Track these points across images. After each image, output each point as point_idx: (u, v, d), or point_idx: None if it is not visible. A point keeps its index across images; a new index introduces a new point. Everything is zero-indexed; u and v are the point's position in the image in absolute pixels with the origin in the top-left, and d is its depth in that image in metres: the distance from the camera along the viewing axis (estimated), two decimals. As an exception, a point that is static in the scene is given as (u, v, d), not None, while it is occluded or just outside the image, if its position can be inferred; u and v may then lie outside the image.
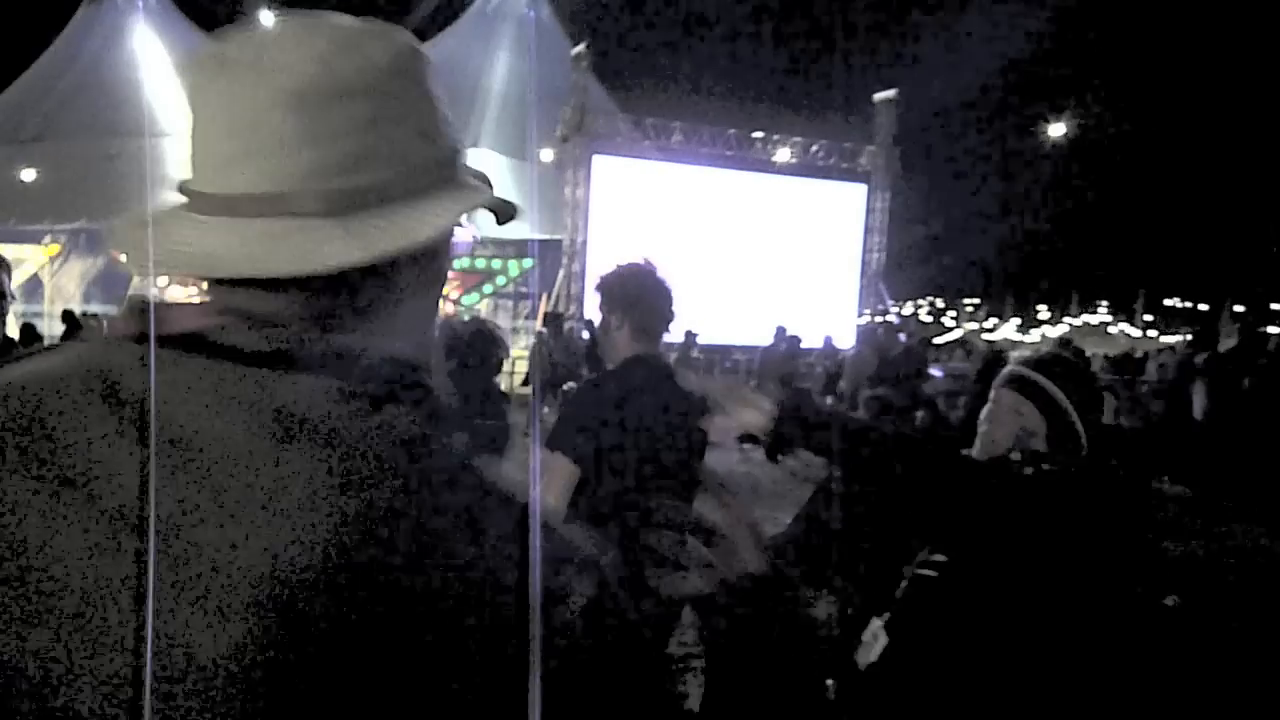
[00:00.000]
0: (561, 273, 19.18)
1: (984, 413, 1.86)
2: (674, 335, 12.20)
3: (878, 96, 21.41)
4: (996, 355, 14.29)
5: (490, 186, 0.84)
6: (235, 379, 0.63)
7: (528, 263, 19.14)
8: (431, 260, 0.76)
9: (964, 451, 1.88)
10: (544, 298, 18.79)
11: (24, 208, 24.74)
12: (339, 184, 0.68)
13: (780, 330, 12.58)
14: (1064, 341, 10.73)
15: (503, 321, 24.75)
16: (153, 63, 31.85)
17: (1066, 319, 53.56)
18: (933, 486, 1.63)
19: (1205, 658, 4.70)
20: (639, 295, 2.75)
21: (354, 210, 0.68)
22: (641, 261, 2.88)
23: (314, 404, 0.62)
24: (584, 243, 18.82)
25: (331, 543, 0.57)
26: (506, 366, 19.49)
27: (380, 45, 0.72)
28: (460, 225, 0.78)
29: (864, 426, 1.72)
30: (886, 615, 1.80)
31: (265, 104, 0.67)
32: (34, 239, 23.85)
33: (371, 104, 0.70)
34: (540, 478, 2.63)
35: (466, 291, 18.77)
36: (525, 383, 14.53)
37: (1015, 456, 1.70)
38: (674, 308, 2.81)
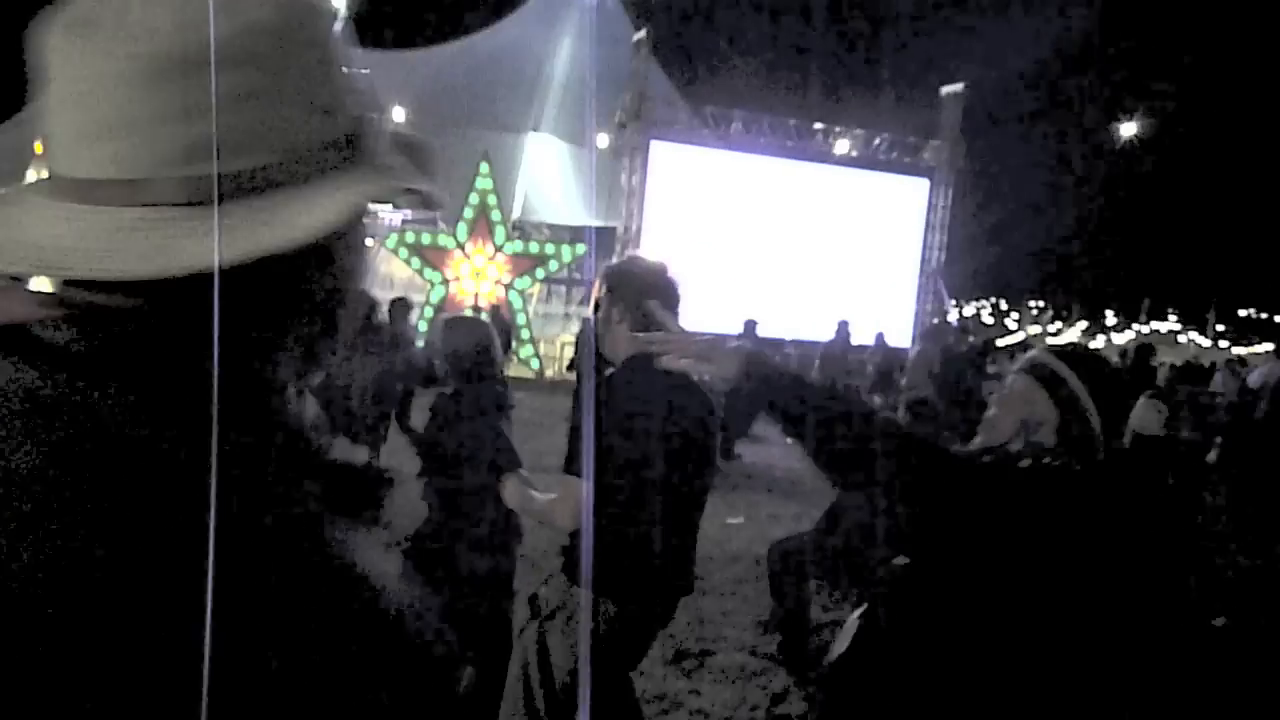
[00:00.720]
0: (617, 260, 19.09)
1: (993, 397, 1.74)
2: (733, 325, 12.28)
3: (944, 89, 20.92)
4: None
5: (424, 166, 0.72)
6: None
7: (581, 249, 19.03)
8: (326, 260, 0.65)
9: (971, 446, 1.74)
10: (596, 284, 18.71)
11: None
12: (206, 169, 0.57)
13: (842, 325, 12.37)
14: (1145, 348, 10.32)
15: (555, 307, 24.80)
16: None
17: (1135, 325, 52.13)
18: (904, 473, 1.49)
19: (1248, 681, 4.44)
20: (645, 290, 2.67)
21: (224, 200, 0.57)
22: (649, 256, 2.88)
23: None
24: (639, 230, 18.68)
25: None
26: (551, 351, 19.47)
27: (266, 4, 0.60)
28: (367, 215, 0.68)
29: (833, 396, 1.58)
30: (864, 607, 1.69)
31: (120, 73, 0.56)
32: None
33: (251, 74, 0.59)
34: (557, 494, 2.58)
35: (519, 275, 18.72)
36: (570, 367, 14.48)
37: (1015, 446, 1.58)
38: (679, 306, 2.71)
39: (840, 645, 1.67)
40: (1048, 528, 1.48)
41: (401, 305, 8.51)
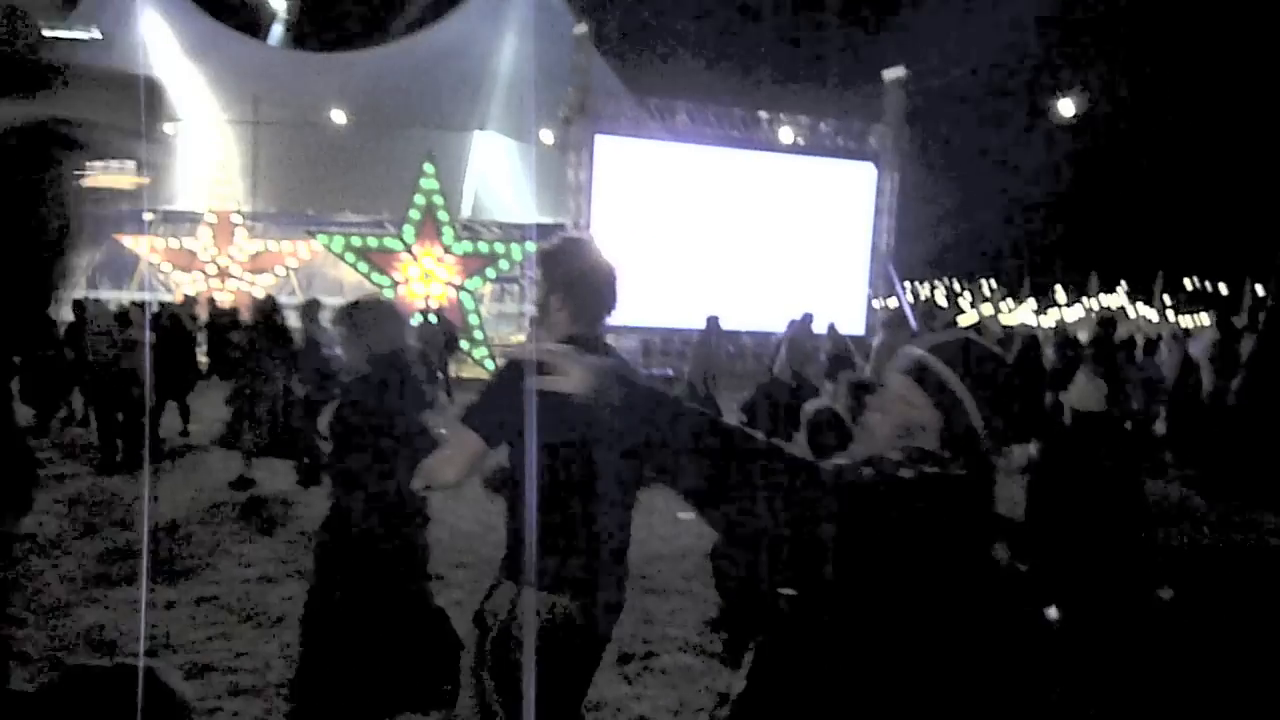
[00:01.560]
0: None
1: (870, 400, 1.63)
2: (688, 319, 12.27)
3: (886, 74, 21.01)
4: (1012, 340, 13.93)
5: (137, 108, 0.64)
6: None
7: (531, 246, 18.86)
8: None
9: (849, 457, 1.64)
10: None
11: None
12: None
13: (806, 316, 12.29)
14: (1106, 320, 10.39)
15: (509, 307, 24.59)
16: (161, 49, 31.76)
17: (1085, 300, 52.86)
18: (775, 497, 1.40)
19: (1197, 651, 4.46)
20: (582, 274, 2.60)
21: None
22: (585, 238, 2.75)
23: None
24: (586, 226, 18.56)
25: None
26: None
27: None
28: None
29: (691, 416, 1.46)
30: (758, 640, 1.61)
31: None
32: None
33: None
34: (446, 449, 2.50)
35: (470, 276, 18.54)
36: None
37: (894, 455, 1.49)
38: (617, 291, 2.66)
39: (737, 685, 1.59)
40: (936, 538, 1.40)
41: (312, 307, 8.47)
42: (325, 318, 8.35)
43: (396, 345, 3.36)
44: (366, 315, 3.38)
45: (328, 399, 8.32)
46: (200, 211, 21.96)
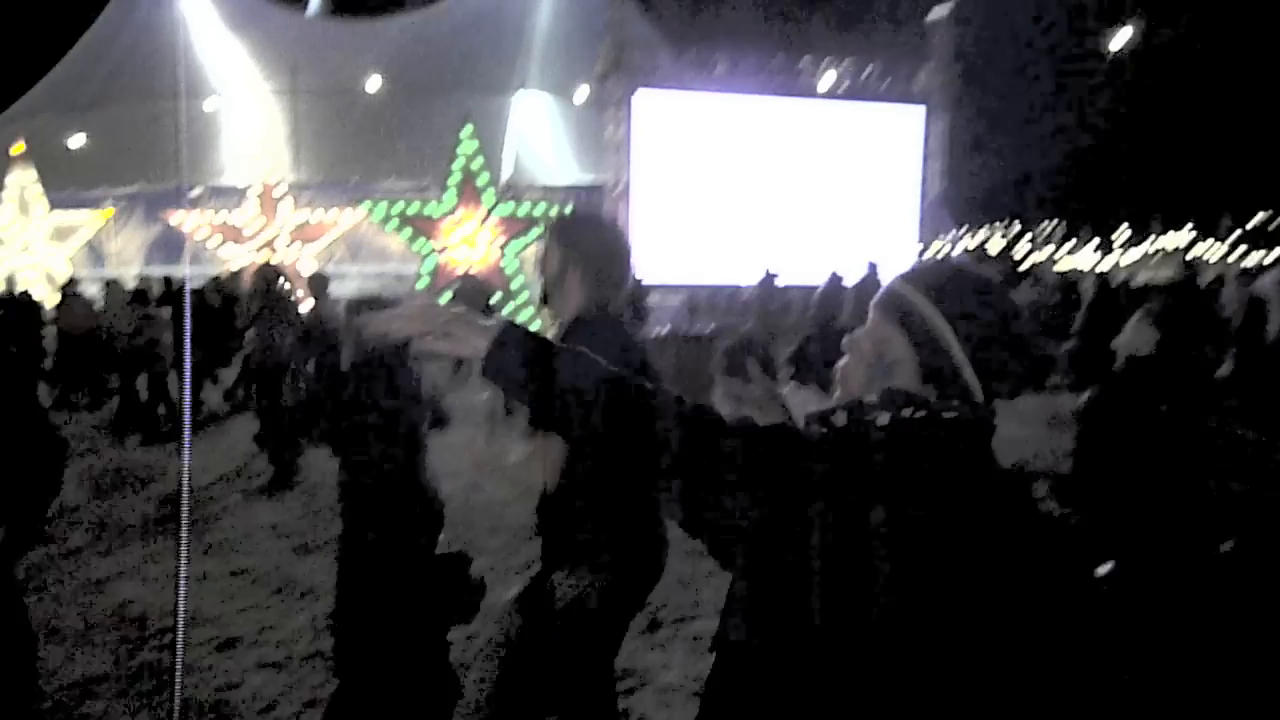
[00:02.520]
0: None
1: (844, 341, 1.42)
2: (738, 275, 12.15)
3: (933, 12, 20.27)
4: (1071, 285, 13.41)
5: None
6: None
7: (570, 208, 18.66)
8: None
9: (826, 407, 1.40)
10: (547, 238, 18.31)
11: (81, 174, 25.10)
12: None
13: (835, 277, 11.97)
14: (1187, 266, 10.04)
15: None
16: (201, 23, 31.95)
17: (1148, 241, 51.24)
18: (732, 471, 1.21)
19: (1263, 607, 4.20)
20: (604, 248, 2.49)
21: None
22: (604, 215, 2.62)
23: None
24: (626, 184, 18.31)
25: None
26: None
27: None
28: None
29: (600, 376, 1.24)
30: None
31: None
32: (92, 204, 24.22)
33: None
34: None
35: (512, 238, 18.41)
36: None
37: (870, 399, 1.28)
38: (631, 270, 2.56)
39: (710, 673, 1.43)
40: (926, 496, 1.20)
41: (318, 281, 8.57)
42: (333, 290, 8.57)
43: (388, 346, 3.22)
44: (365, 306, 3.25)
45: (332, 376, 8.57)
46: (245, 185, 22.11)
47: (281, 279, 8.39)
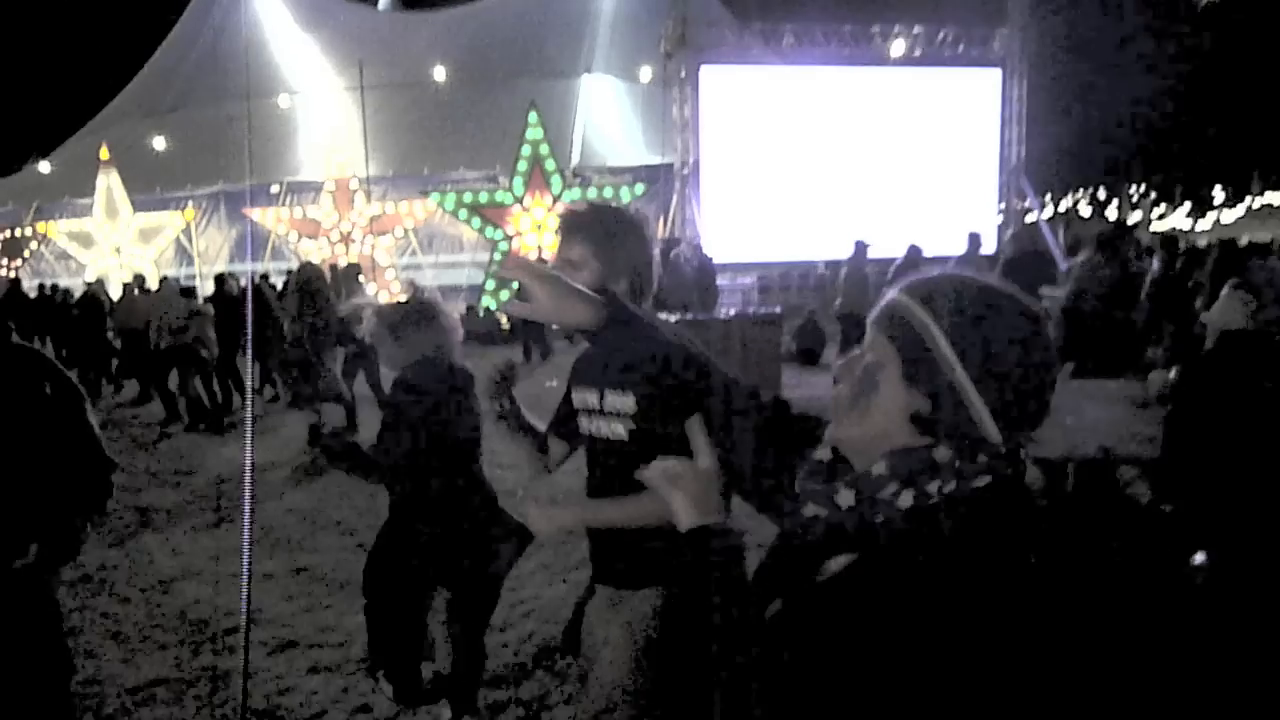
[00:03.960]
0: (675, 198, 18.53)
1: (836, 368, 1.19)
2: (811, 251, 11.84)
3: (1008, -29, 19.48)
4: (1198, 252, 12.63)
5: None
6: None
7: (640, 189, 18.51)
8: None
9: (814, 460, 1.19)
10: (659, 223, 18.17)
11: (164, 176, 25.82)
12: None
13: (860, 245, 11.56)
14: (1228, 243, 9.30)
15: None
16: (275, 23, 32.59)
17: (1245, 201, 48.87)
18: None
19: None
20: (637, 247, 2.26)
21: None
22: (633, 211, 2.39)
23: None
24: (695, 163, 18.06)
25: None
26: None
27: None
28: None
29: None
30: None
31: None
32: (176, 205, 24.93)
33: None
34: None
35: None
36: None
37: (878, 469, 1.05)
38: (653, 260, 2.33)
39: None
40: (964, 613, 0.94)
41: (351, 271, 8.89)
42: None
43: (433, 350, 3.15)
44: (399, 319, 3.17)
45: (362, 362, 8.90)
46: (321, 180, 22.50)
47: (317, 277, 8.72)
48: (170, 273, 23.81)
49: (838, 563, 1.05)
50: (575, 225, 2.24)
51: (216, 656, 4.13)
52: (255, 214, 22.21)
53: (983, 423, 1.04)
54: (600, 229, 2.22)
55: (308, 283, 8.37)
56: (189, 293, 10.61)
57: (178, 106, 30.65)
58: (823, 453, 1.15)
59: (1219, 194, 50.85)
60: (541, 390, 4.40)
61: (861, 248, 11.40)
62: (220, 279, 11.22)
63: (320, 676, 3.88)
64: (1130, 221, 40.72)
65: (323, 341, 8.20)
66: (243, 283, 13.97)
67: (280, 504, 6.67)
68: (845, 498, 1.05)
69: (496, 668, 3.80)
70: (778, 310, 11.03)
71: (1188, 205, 50.55)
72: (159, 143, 27.87)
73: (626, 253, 2.21)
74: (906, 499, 1.02)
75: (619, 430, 2.14)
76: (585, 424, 2.26)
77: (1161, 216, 48.63)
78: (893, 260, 11.07)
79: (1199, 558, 4.77)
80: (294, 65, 31.44)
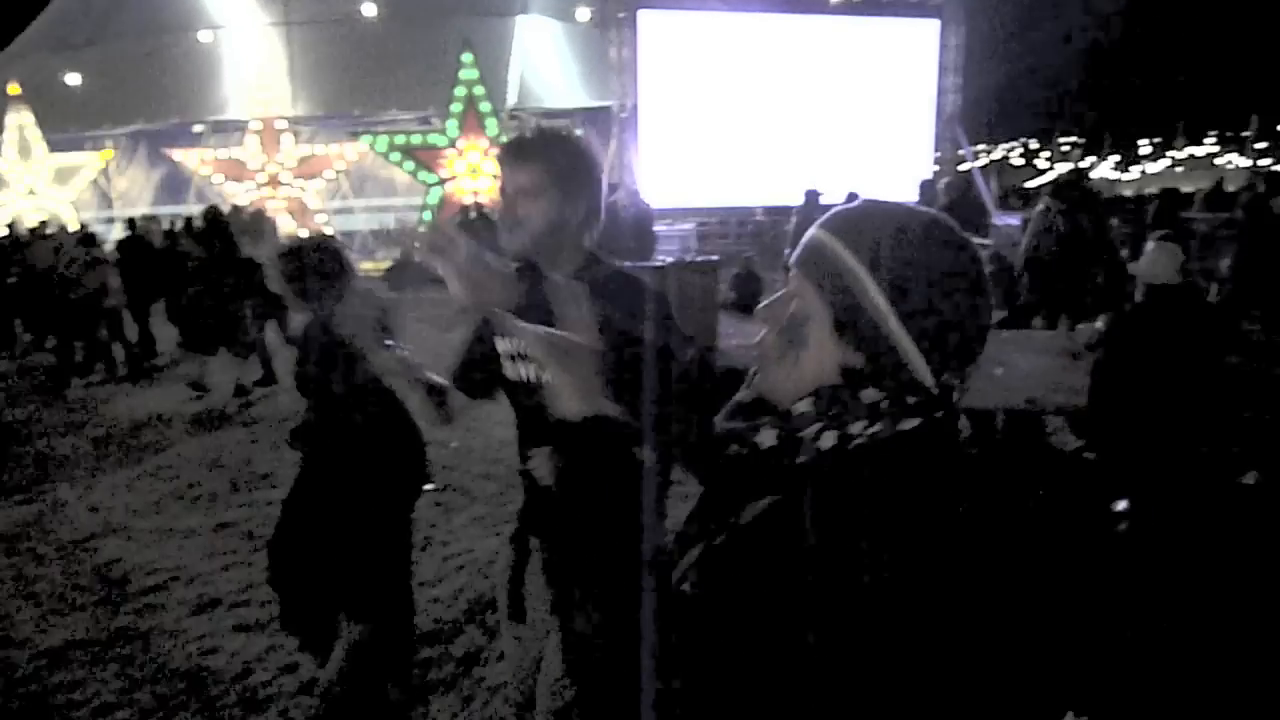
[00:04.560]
0: (613, 142, 18.28)
1: (758, 311, 1.11)
2: (748, 197, 11.73)
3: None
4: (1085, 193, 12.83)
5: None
6: None
7: (577, 134, 18.20)
8: None
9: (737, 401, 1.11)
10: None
11: (80, 114, 24.69)
12: None
13: (811, 194, 11.39)
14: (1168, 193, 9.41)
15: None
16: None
17: (1171, 152, 49.97)
18: None
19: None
20: (591, 175, 2.09)
21: None
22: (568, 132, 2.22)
23: None
24: (634, 107, 17.80)
25: None
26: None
27: None
28: None
29: None
30: None
31: None
32: (94, 145, 23.92)
33: None
34: None
35: (504, 218, 18.10)
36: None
37: (801, 407, 0.98)
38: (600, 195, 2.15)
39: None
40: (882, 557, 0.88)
41: (256, 218, 8.70)
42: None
43: (338, 298, 3.03)
44: (304, 267, 3.03)
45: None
46: (246, 120, 21.74)
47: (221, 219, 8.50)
48: (89, 215, 22.95)
49: (758, 506, 0.99)
50: (528, 150, 2.04)
51: (137, 617, 4.01)
52: (177, 154, 21.44)
53: (915, 368, 0.97)
54: (557, 153, 2.04)
55: (213, 227, 8.14)
56: (89, 240, 10.08)
57: (93, 40, 29.19)
58: (745, 395, 1.08)
59: (1145, 146, 51.92)
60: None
61: (813, 196, 11.30)
62: (131, 223, 10.78)
63: (245, 635, 3.78)
64: (1058, 172, 41.37)
65: (229, 288, 7.96)
66: (164, 226, 13.53)
67: (204, 457, 6.49)
68: (766, 437, 1.00)
69: (427, 624, 3.75)
70: (715, 258, 10.97)
71: (1115, 157, 51.54)
72: (73, 79, 26.61)
73: (581, 180, 2.05)
74: (829, 439, 0.96)
75: None
76: (522, 370, 2.16)
77: (1091, 167, 49.54)
78: (830, 208, 11.06)
79: (1121, 504, 4.90)
80: (215, -1, 30.18)
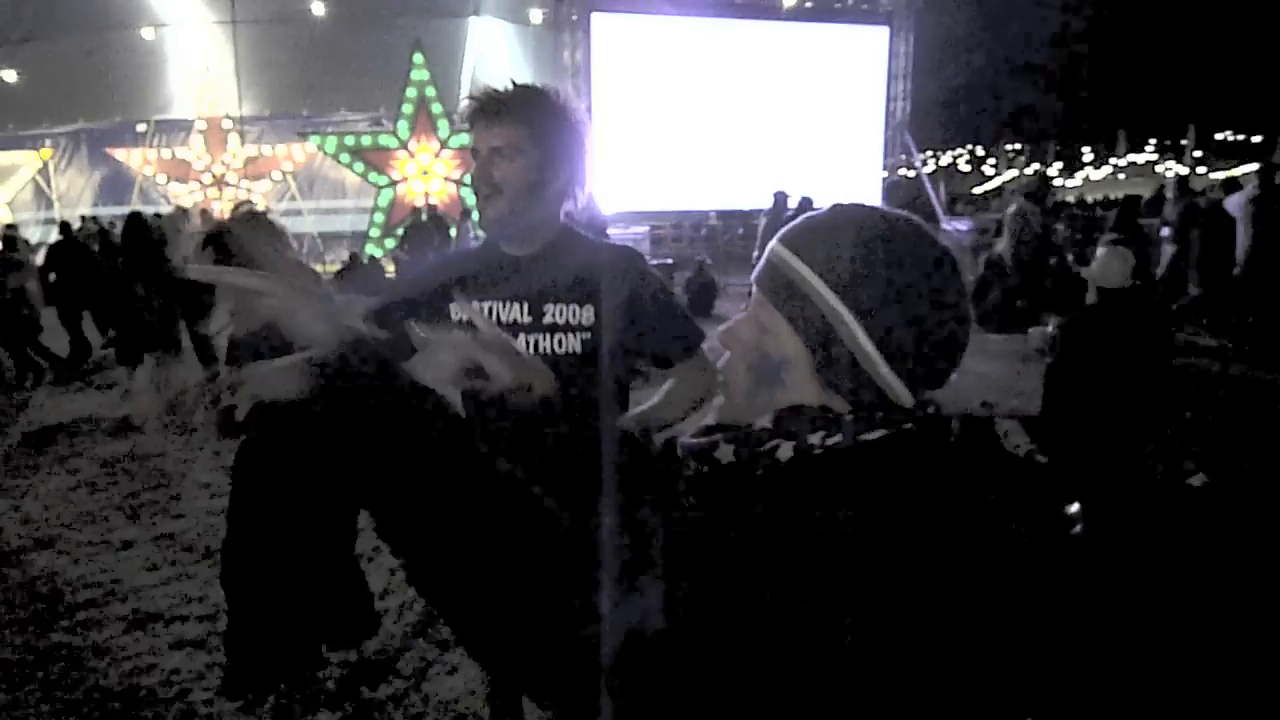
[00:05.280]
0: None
1: (719, 333, 1.04)
2: (697, 201, 11.69)
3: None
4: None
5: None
6: None
7: (560, 89, 18.11)
8: None
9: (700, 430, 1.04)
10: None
11: (18, 112, 24.04)
12: None
13: (779, 196, 11.30)
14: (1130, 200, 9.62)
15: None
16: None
17: (1112, 160, 51.02)
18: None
19: (1236, 542, 4.02)
20: (575, 133, 1.89)
21: None
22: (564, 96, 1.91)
23: None
24: (587, 110, 17.69)
25: None
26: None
27: None
28: None
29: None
30: None
31: None
32: (32, 145, 23.31)
33: None
34: None
35: (469, 170, 17.91)
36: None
37: (762, 423, 0.92)
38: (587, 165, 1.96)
39: None
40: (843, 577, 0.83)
41: (176, 216, 8.47)
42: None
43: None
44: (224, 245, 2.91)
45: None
46: (191, 119, 21.30)
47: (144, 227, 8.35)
48: (27, 216, 22.34)
49: (720, 521, 0.93)
50: (505, 105, 1.82)
51: (69, 634, 3.84)
52: (120, 154, 20.94)
53: (898, 396, 0.92)
54: (537, 109, 1.83)
55: (131, 232, 7.99)
56: (10, 244, 9.73)
57: (31, 36, 28.46)
58: (710, 419, 1.02)
59: (1089, 154, 52.98)
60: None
61: (781, 198, 11.22)
62: (65, 226, 10.46)
63: (183, 653, 3.64)
64: (1003, 179, 42.07)
65: (146, 294, 7.79)
66: (106, 227, 13.18)
67: (144, 466, 6.29)
68: (725, 453, 0.94)
69: (373, 640, 3.64)
70: (670, 261, 10.95)
71: (1059, 164, 52.50)
72: (9, 75, 25.89)
73: (565, 140, 1.85)
74: (786, 451, 0.91)
75: (572, 344, 1.87)
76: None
77: (1035, 175, 50.44)
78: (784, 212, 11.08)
79: (1073, 508, 4.93)
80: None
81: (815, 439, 0.90)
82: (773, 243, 0.99)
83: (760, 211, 11.83)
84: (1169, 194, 15.42)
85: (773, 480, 0.90)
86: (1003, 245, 8.57)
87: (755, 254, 11.49)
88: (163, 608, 4.06)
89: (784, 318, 0.94)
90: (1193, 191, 11.30)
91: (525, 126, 1.80)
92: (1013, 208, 9.10)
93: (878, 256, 0.91)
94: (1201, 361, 7.49)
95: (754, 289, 0.99)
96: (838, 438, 0.90)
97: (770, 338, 0.95)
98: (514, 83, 1.88)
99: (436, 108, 17.69)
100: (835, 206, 0.98)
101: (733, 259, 15.62)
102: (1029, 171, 51.51)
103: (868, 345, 0.90)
